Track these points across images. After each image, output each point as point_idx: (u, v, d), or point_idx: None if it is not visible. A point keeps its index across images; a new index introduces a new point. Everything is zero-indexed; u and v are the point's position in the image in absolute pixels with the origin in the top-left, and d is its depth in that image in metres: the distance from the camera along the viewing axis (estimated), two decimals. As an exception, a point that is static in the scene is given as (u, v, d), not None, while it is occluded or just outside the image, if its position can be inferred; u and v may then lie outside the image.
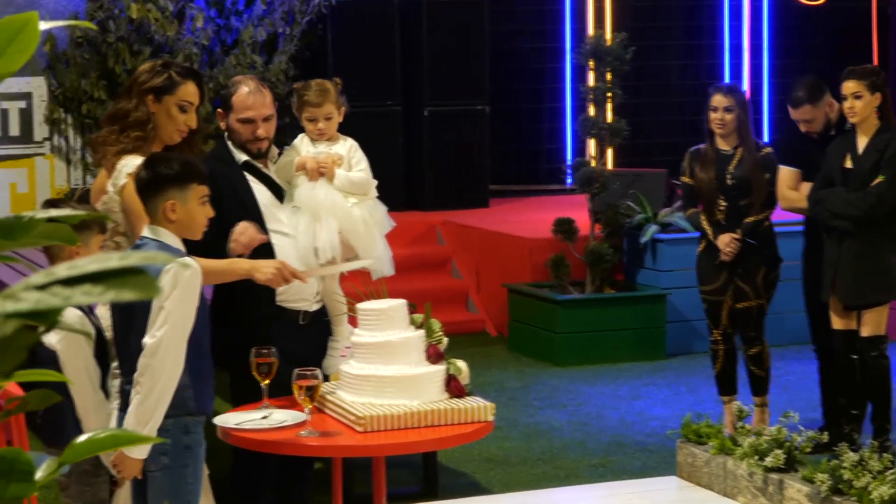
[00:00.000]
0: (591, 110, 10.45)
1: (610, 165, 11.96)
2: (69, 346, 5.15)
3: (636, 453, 7.98)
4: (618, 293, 10.56)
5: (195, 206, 4.90)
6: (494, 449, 8.00)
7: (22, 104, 12.03)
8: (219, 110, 6.15)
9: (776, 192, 7.80)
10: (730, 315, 7.82)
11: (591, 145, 11.12)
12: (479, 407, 5.37)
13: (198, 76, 5.79)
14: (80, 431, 5.03)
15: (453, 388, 5.45)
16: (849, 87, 7.28)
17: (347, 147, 6.10)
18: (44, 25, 1.75)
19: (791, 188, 7.82)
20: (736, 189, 7.71)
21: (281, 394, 5.44)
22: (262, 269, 5.51)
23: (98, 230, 5.29)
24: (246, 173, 6.00)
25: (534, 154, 14.09)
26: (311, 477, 6.33)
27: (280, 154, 6.13)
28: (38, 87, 12.03)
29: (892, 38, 14.31)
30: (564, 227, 10.53)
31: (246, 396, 5.67)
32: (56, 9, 11.79)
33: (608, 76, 10.21)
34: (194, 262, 4.84)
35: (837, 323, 7.41)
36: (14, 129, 12.04)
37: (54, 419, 5.27)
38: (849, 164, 7.33)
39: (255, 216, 5.85)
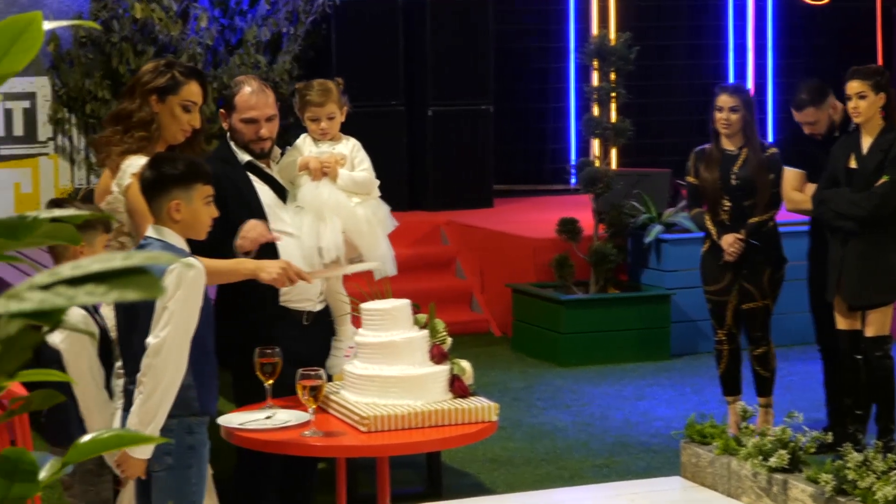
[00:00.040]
0: (596, 110, 10.44)
1: (614, 165, 11.95)
2: (73, 345, 5.15)
3: (640, 454, 7.97)
4: (622, 293, 10.55)
5: (200, 206, 4.90)
6: (498, 449, 8.00)
7: (26, 104, 12.04)
8: (221, 111, 6.14)
9: (781, 193, 7.80)
10: (734, 315, 7.82)
11: (596, 145, 11.11)
12: (482, 407, 5.37)
13: (201, 76, 5.79)
14: (83, 431, 5.03)
15: (457, 388, 5.45)
16: (853, 86, 7.27)
17: (350, 147, 6.10)
18: (48, 25, 1.75)
19: (796, 189, 7.82)
20: (740, 189, 7.70)
21: (284, 394, 5.44)
22: (267, 269, 5.51)
23: (102, 230, 5.29)
24: (249, 173, 6.00)
25: (538, 154, 14.08)
26: (315, 477, 6.33)
27: (282, 154, 6.12)
28: (41, 86, 12.03)
29: (896, 38, 14.30)
30: (568, 227, 10.53)
31: (249, 396, 5.67)
32: (60, 8, 11.80)
33: (612, 76, 10.20)
34: (198, 263, 4.84)
35: (842, 323, 7.40)
36: (18, 129, 12.05)
37: (58, 419, 5.27)
38: (853, 164, 7.33)
39: (259, 216, 5.85)
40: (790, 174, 7.81)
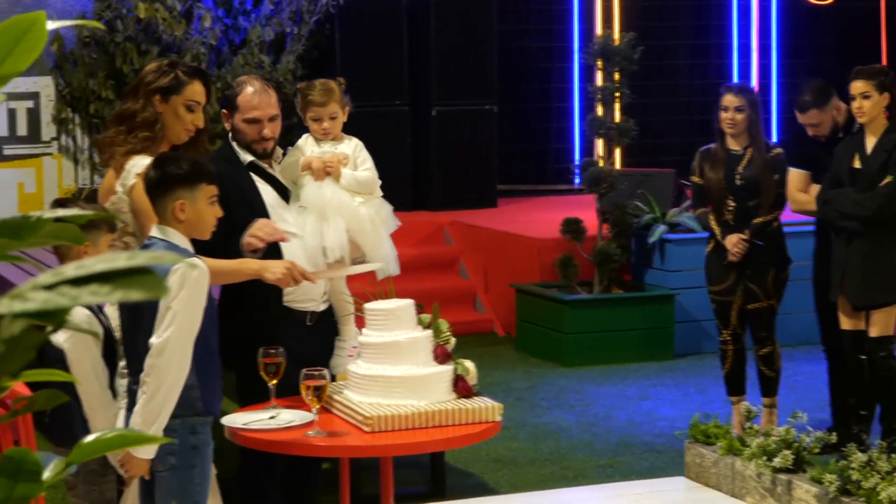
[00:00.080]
0: (599, 110, 10.44)
1: (618, 165, 11.93)
2: (77, 345, 5.15)
3: (644, 454, 7.97)
4: (626, 293, 10.55)
5: (204, 206, 4.90)
6: (502, 449, 7.99)
7: (29, 104, 12.04)
8: (223, 111, 6.13)
9: (786, 194, 7.79)
10: (739, 315, 7.81)
11: (599, 145, 11.11)
12: (486, 407, 5.37)
13: (204, 75, 5.79)
14: (87, 431, 5.03)
15: (461, 388, 5.44)
16: (857, 86, 7.27)
17: (352, 146, 6.09)
18: (51, 25, 1.75)
19: (800, 190, 7.81)
20: (745, 189, 7.69)
21: (287, 394, 5.44)
22: (271, 270, 5.50)
23: (107, 229, 5.29)
24: (251, 174, 5.99)
25: (542, 154, 14.08)
26: (319, 477, 6.33)
27: (284, 155, 6.12)
28: (45, 86, 12.04)
29: (900, 38, 14.29)
30: (572, 227, 10.52)
31: (252, 396, 5.67)
32: (63, 8, 11.80)
33: (616, 76, 10.20)
34: (202, 263, 4.83)
35: (846, 323, 7.40)
36: (22, 129, 12.05)
37: (62, 419, 5.27)
38: (857, 164, 7.32)
39: (262, 216, 5.84)
40: (794, 175, 7.81)
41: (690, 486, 6.52)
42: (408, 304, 5.52)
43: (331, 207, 5.90)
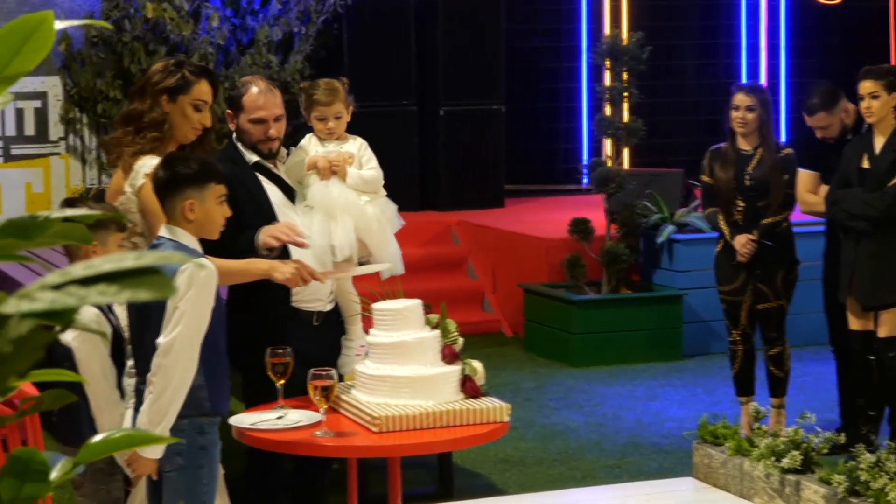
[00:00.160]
0: (608, 110, 10.43)
1: (626, 165, 11.94)
2: (85, 344, 5.15)
3: (652, 454, 7.96)
4: (634, 293, 10.54)
5: (213, 206, 4.90)
6: (510, 450, 7.99)
7: (37, 104, 12.05)
8: (228, 111, 6.11)
9: (795, 194, 7.78)
10: (749, 315, 7.80)
11: (608, 145, 11.10)
12: (494, 407, 5.36)
13: (211, 74, 5.79)
14: (94, 430, 5.03)
15: (469, 388, 5.44)
16: (866, 86, 7.26)
17: (357, 146, 6.09)
18: (59, 25, 1.74)
19: (810, 191, 7.80)
20: (754, 190, 7.68)
21: (294, 394, 5.43)
22: (280, 269, 5.50)
23: (116, 229, 5.28)
24: (257, 174, 5.99)
25: (550, 154, 14.07)
26: (327, 477, 6.33)
27: (288, 155, 6.11)
28: (53, 86, 12.04)
29: (909, 38, 14.26)
30: (580, 227, 10.52)
31: (259, 397, 5.66)
32: (71, 8, 11.81)
33: (624, 76, 10.19)
34: (210, 263, 4.83)
35: (854, 324, 7.39)
36: (29, 129, 12.06)
37: (69, 418, 5.27)
38: (866, 164, 7.31)
39: (269, 216, 5.84)
40: (804, 176, 7.80)
41: (699, 487, 6.51)
42: (415, 304, 5.52)
43: (338, 206, 5.90)
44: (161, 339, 4.72)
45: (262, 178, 5.97)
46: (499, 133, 12.80)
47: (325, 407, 5.20)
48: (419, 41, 12.66)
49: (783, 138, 13.69)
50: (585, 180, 12.62)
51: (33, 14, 1.71)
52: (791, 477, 5.99)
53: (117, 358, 5.24)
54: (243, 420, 5.34)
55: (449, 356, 5.47)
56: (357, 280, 6.18)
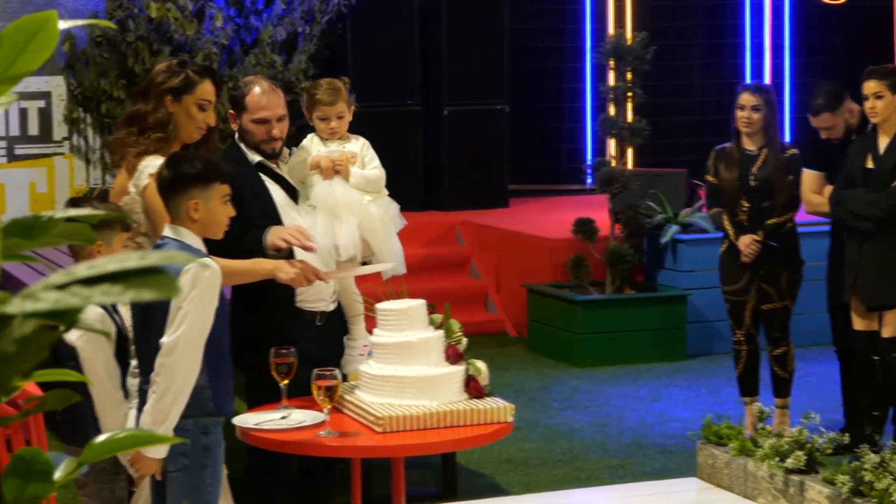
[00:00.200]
0: (612, 110, 10.43)
1: (630, 165, 11.92)
2: (89, 343, 5.15)
3: (656, 455, 7.96)
4: (638, 294, 10.53)
5: (217, 206, 4.90)
6: (514, 450, 7.99)
7: (41, 103, 12.06)
8: (230, 111, 6.10)
9: (800, 195, 7.77)
10: (753, 315, 7.79)
11: (612, 145, 11.10)
12: (498, 408, 5.36)
13: (214, 73, 5.79)
14: (98, 430, 5.03)
15: (472, 388, 5.44)
16: (870, 86, 7.25)
17: (360, 145, 6.09)
18: (63, 24, 1.74)
19: (815, 192, 7.80)
20: (759, 190, 7.67)
21: (297, 394, 5.43)
22: (284, 269, 5.50)
23: (120, 229, 5.28)
24: (260, 174, 5.98)
25: (554, 154, 14.07)
26: (334, 477, 6.32)
27: (290, 155, 6.11)
28: (57, 86, 12.05)
29: (913, 38, 14.25)
30: (584, 228, 10.51)
31: (262, 397, 5.66)
32: (75, 8, 11.81)
33: (628, 75, 10.19)
34: (214, 263, 4.83)
35: (859, 324, 7.38)
36: (33, 129, 12.07)
37: (73, 417, 5.27)
38: (870, 164, 7.30)
39: (273, 216, 5.84)
40: (809, 176, 7.79)
41: (703, 487, 6.50)
42: (419, 304, 5.51)
43: (342, 206, 5.90)
44: (164, 339, 4.72)
45: (264, 177, 5.97)
46: (502, 133, 12.80)
47: (329, 407, 5.20)
48: (423, 41, 12.66)
49: (787, 138, 13.68)
50: (589, 180, 12.62)
51: (37, 14, 1.70)
52: (795, 477, 5.98)
53: (121, 358, 5.24)
54: (247, 420, 5.34)
55: (453, 356, 5.47)
56: (360, 280, 6.18)
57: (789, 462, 5.99)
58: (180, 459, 4.85)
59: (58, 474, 1.75)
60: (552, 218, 11.86)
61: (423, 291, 6.23)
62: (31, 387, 5.01)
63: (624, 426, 8.59)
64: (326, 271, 5.69)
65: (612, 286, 10.45)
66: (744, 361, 7.87)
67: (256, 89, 5.98)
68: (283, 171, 6.03)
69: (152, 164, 5.38)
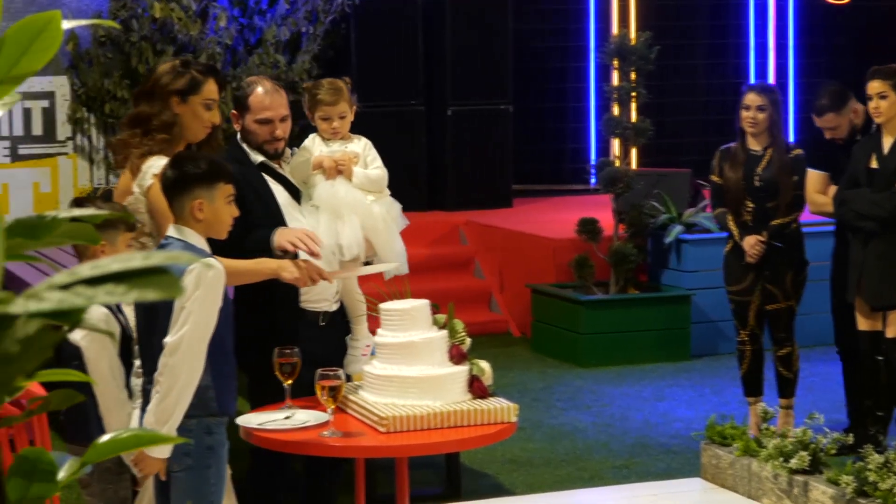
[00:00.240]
0: (616, 110, 10.42)
1: (634, 165, 11.93)
2: (94, 343, 5.15)
3: (660, 455, 7.95)
4: (642, 294, 10.53)
5: (222, 205, 4.90)
6: (517, 450, 7.98)
7: (45, 103, 12.06)
8: (233, 111, 6.09)
9: (804, 195, 7.76)
10: (757, 315, 7.78)
11: (616, 145, 11.10)
12: (502, 408, 5.36)
13: (217, 72, 5.80)
14: (102, 430, 5.03)
15: (476, 388, 5.43)
16: (874, 86, 7.25)
17: (362, 145, 6.09)
18: (67, 24, 1.74)
19: (819, 192, 7.79)
20: (763, 191, 7.66)
21: (300, 394, 5.43)
22: (288, 269, 5.50)
23: (124, 228, 5.28)
24: (263, 174, 5.98)
25: (557, 154, 14.07)
26: (338, 477, 6.31)
27: (292, 155, 6.11)
28: (60, 86, 12.05)
29: (917, 38, 14.24)
30: (588, 228, 10.51)
31: (266, 397, 5.66)
32: (79, 8, 11.81)
33: (632, 75, 10.18)
34: (218, 263, 4.83)
35: (863, 324, 7.37)
36: (37, 129, 12.07)
37: (77, 417, 5.27)
38: (874, 164, 7.30)
39: (277, 216, 5.84)
40: (813, 176, 7.78)
41: (706, 488, 6.50)
42: (423, 304, 5.51)
43: (345, 205, 5.90)
44: (168, 339, 4.72)
45: (267, 178, 5.97)
46: (506, 133, 12.80)
47: (333, 407, 5.20)
48: (427, 41, 12.66)
49: (791, 138, 13.67)
50: (593, 180, 12.62)
51: (41, 14, 1.70)
52: (799, 477, 5.98)
53: (125, 358, 5.24)
54: (251, 420, 5.34)
55: (456, 356, 5.46)
56: (364, 280, 6.18)
57: (793, 462, 5.99)
58: (184, 459, 4.85)
59: (61, 474, 1.75)
60: (556, 218, 11.86)
61: (426, 291, 6.23)
62: (34, 387, 5.01)
63: (628, 426, 8.59)
64: (330, 271, 5.69)
65: (616, 286, 10.44)
66: (748, 362, 7.87)
67: (259, 90, 5.98)
68: (286, 171, 6.03)
69: (156, 164, 5.38)
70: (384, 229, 5.97)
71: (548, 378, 9.86)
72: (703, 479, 6.59)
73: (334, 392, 5.16)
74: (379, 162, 6.06)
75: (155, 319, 4.81)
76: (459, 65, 12.62)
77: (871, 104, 7.27)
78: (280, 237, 5.63)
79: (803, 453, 5.99)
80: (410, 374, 5.36)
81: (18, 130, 12.02)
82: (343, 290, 6.04)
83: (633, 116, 10.53)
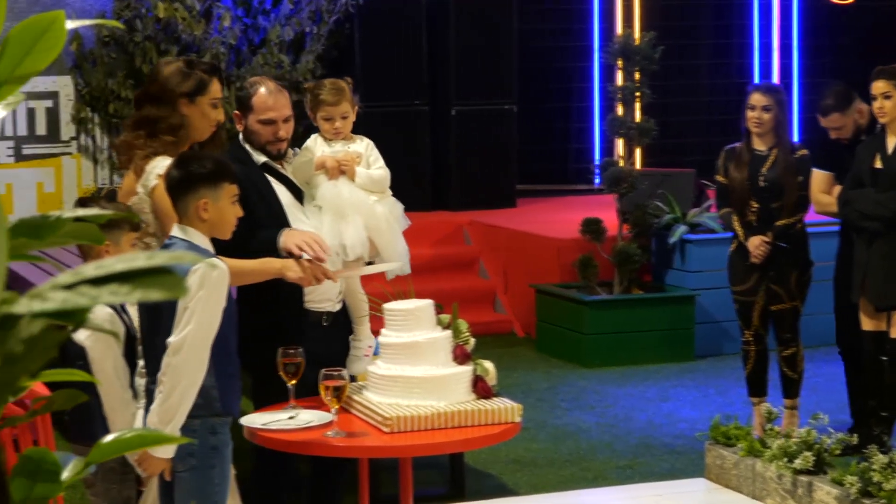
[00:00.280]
0: (620, 110, 10.42)
1: (638, 165, 11.93)
2: (98, 343, 5.15)
3: (664, 455, 7.95)
4: (646, 294, 10.52)
5: (226, 205, 4.90)
6: (521, 450, 7.98)
7: (48, 103, 12.06)
8: (235, 112, 6.08)
9: (809, 195, 7.76)
10: (761, 316, 7.78)
11: (620, 145, 11.09)
12: (506, 408, 5.35)
13: (219, 70, 5.82)
14: (107, 430, 5.03)
15: (480, 388, 5.43)
16: (878, 86, 7.24)
17: (364, 145, 6.09)
18: (70, 24, 1.74)
19: (824, 192, 7.78)
20: (768, 191, 7.65)
21: (304, 394, 5.43)
22: (293, 268, 5.50)
23: (129, 228, 5.28)
24: (265, 174, 5.98)
25: (562, 154, 14.06)
26: (343, 476, 6.30)
27: (293, 155, 6.10)
28: (64, 86, 12.06)
29: (922, 38, 14.23)
30: (592, 228, 10.50)
31: (269, 397, 5.65)
32: (83, 7, 11.82)
33: (637, 75, 10.18)
34: (222, 263, 4.83)
35: (867, 324, 7.37)
36: (41, 129, 12.07)
37: (81, 417, 5.27)
38: (878, 164, 7.29)
39: (280, 216, 5.84)
40: (818, 176, 7.78)
41: (711, 488, 6.50)
42: (427, 304, 5.51)
43: (348, 206, 5.89)
44: (171, 339, 4.72)
45: (270, 178, 5.96)
46: (510, 133, 12.80)
47: (337, 407, 5.19)
48: (431, 41, 12.66)
49: (796, 138, 13.66)
50: (597, 180, 12.62)
51: (45, 14, 1.70)
52: (803, 478, 5.98)
53: (130, 358, 5.24)
54: (255, 420, 5.34)
55: (460, 356, 5.46)
56: (368, 281, 6.17)
57: (798, 463, 5.98)
58: (188, 459, 4.85)
59: (65, 474, 1.75)
60: (560, 218, 11.86)
61: (430, 291, 6.23)
62: (38, 387, 5.01)
63: (632, 426, 8.58)
64: (334, 270, 5.69)
65: (620, 286, 10.44)
66: (752, 362, 7.86)
67: (262, 90, 5.97)
68: (288, 171, 6.03)
69: (160, 165, 5.38)
70: (387, 229, 5.96)
71: (552, 378, 9.86)
72: (707, 480, 6.59)
73: (338, 392, 5.16)
74: (381, 162, 6.06)
75: (158, 319, 4.81)
76: (463, 65, 12.62)
77: (876, 104, 7.27)
78: (287, 239, 5.62)
79: (807, 454, 5.98)
80: (414, 375, 5.36)
81: (22, 130, 12.02)
82: (346, 290, 6.04)
83: (637, 116, 10.53)
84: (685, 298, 10.47)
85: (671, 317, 10.42)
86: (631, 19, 13.19)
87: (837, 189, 7.65)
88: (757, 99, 7.69)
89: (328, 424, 5.21)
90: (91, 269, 1.49)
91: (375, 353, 5.89)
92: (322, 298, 5.93)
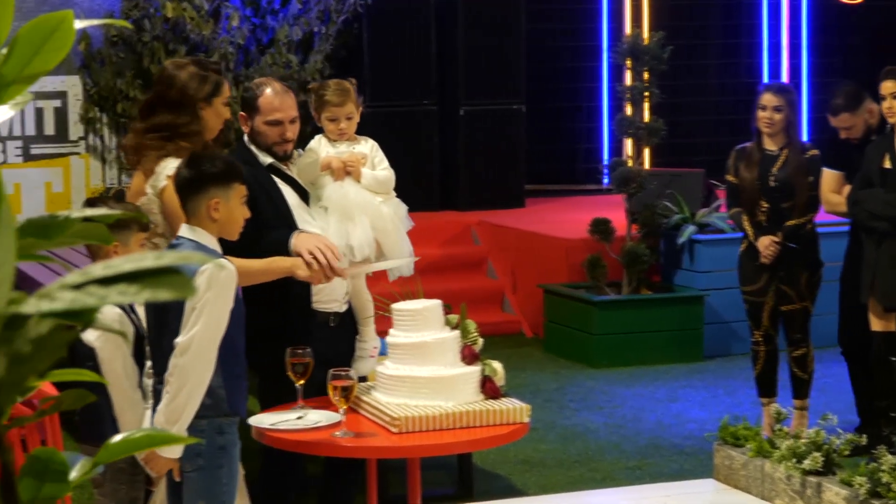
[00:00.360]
0: (629, 110, 10.41)
1: (647, 165, 11.91)
2: (107, 343, 5.15)
3: (673, 456, 7.94)
4: (654, 294, 10.51)
5: (236, 206, 4.90)
6: (530, 451, 7.97)
7: (57, 103, 12.07)
8: (241, 113, 6.06)
9: (820, 195, 7.75)
10: (771, 316, 7.77)
11: (628, 145, 11.08)
12: (514, 408, 5.35)
13: (222, 69, 5.86)
14: (116, 430, 5.03)
15: (489, 389, 5.43)
16: (887, 86, 7.24)
17: (369, 146, 6.09)
18: (79, 24, 1.73)
19: (834, 191, 7.77)
20: (779, 191, 7.64)
21: (311, 394, 5.43)
22: (302, 266, 5.50)
23: (137, 228, 5.28)
24: (272, 175, 5.97)
25: (570, 154, 14.05)
26: (356, 474, 6.29)
27: (298, 156, 6.10)
28: (72, 85, 12.06)
29: (931, 38, 14.21)
30: (601, 228, 10.49)
31: (276, 397, 5.65)
32: (91, 7, 11.82)
33: (645, 75, 10.16)
34: (230, 264, 4.83)
35: (876, 325, 7.36)
36: (49, 128, 12.08)
37: (92, 418, 5.27)
38: (887, 164, 7.28)
39: (287, 217, 5.83)
40: (828, 176, 7.76)
41: (719, 489, 6.49)
42: (435, 304, 5.51)
43: (355, 206, 5.89)
44: (179, 339, 4.72)
45: (276, 179, 5.96)
46: (519, 133, 12.79)
47: (345, 407, 5.19)
48: (439, 41, 12.66)
49: (805, 138, 13.64)
50: (606, 180, 12.60)
51: (53, 13, 1.70)
52: (812, 479, 5.97)
53: (139, 358, 5.25)
54: (263, 420, 5.34)
55: (469, 357, 5.46)
56: (376, 281, 6.17)
57: (806, 463, 5.97)
58: (196, 460, 4.85)
59: (73, 474, 1.74)
60: (569, 218, 11.85)
61: (438, 292, 6.22)
62: (46, 386, 5.01)
63: (640, 427, 8.57)
64: (342, 268, 5.68)
65: (629, 287, 10.43)
66: (762, 362, 7.85)
67: (269, 91, 5.96)
68: (293, 172, 6.02)
69: (170, 166, 5.39)
70: (393, 230, 5.96)
71: (560, 379, 9.85)
72: (715, 481, 6.58)
73: (346, 392, 5.16)
74: (386, 163, 6.06)
75: (166, 319, 4.81)
76: (472, 64, 12.61)
77: (885, 104, 7.26)
78: (299, 244, 5.60)
79: (816, 454, 5.97)
80: (422, 375, 5.36)
81: (31, 130, 12.03)
82: (353, 291, 6.04)
83: (646, 116, 10.52)
84: (694, 299, 10.46)
85: (680, 317, 10.41)
86: (640, 19, 13.19)
87: (847, 189, 7.64)
88: (768, 99, 7.68)
89: (336, 424, 5.22)
90: (99, 269, 1.49)
91: (381, 354, 5.89)
92: (329, 299, 5.93)
